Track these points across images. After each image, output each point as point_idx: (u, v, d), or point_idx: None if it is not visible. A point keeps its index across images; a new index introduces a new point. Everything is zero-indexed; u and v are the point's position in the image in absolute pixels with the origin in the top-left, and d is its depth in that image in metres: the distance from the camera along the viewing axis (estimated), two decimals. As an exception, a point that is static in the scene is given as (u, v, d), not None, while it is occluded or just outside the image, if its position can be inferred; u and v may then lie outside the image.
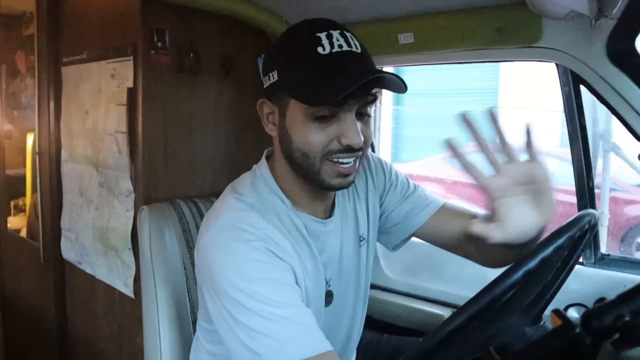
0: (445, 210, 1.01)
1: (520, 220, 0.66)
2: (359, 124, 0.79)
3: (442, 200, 1.04)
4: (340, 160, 0.79)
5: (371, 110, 0.83)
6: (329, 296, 0.92)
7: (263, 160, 0.91)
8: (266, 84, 0.82)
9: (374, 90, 0.79)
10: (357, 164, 0.83)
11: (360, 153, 0.81)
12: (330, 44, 0.75)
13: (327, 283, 0.91)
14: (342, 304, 0.96)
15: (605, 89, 1.05)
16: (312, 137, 0.78)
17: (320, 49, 0.75)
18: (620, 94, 1.03)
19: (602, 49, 1.02)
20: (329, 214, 0.92)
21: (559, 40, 1.08)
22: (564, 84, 1.22)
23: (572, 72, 1.14)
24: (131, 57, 1.29)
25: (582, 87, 1.18)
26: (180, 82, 1.36)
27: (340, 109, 0.76)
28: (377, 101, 0.81)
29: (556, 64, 1.18)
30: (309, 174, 0.81)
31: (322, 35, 0.76)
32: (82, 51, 1.50)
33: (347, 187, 0.84)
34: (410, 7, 1.24)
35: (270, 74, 0.81)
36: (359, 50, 0.78)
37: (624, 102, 1.03)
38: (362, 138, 0.78)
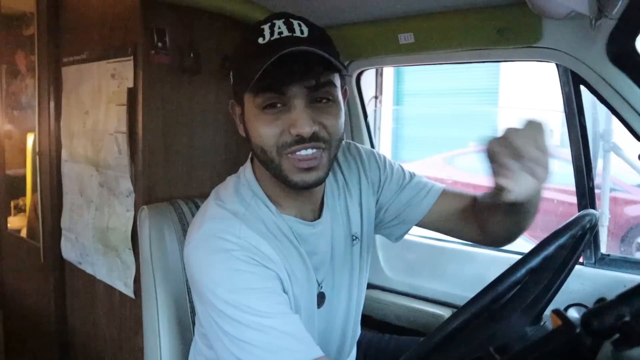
0: (445, 196, 1.00)
1: (527, 181, 0.63)
2: (313, 113, 0.75)
3: (441, 185, 1.02)
4: (298, 154, 0.76)
5: (333, 97, 0.78)
6: (321, 298, 0.92)
7: (248, 163, 0.90)
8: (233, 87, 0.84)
9: (319, 74, 0.75)
10: (325, 158, 0.78)
11: (322, 145, 0.77)
12: (270, 33, 0.74)
13: (319, 285, 0.91)
14: (336, 306, 0.95)
15: (605, 89, 1.05)
16: (264, 130, 0.76)
17: (260, 39, 0.75)
18: (620, 94, 1.03)
19: (602, 49, 1.02)
20: (318, 214, 0.91)
21: (559, 41, 1.08)
22: (564, 84, 1.22)
23: (572, 72, 1.14)
24: (131, 57, 1.29)
25: (582, 87, 1.18)
26: (180, 82, 1.36)
27: (286, 97, 0.74)
28: (332, 87, 0.77)
29: (556, 64, 1.18)
30: (274, 172, 0.79)
31: (265, 27, 0.75)
32: (82, 51, 1.50)
33: (314, 184, 0.79)
34: (410, 7, 1.23)
35: (231, 77, 0.83)
36: (304, 35, 0.75)
37: (624, 102, 1.03)
38: (315, 127, 0.75)
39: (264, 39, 0.74)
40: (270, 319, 0.70)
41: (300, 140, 0.75)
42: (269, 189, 0.85)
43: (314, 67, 0.73)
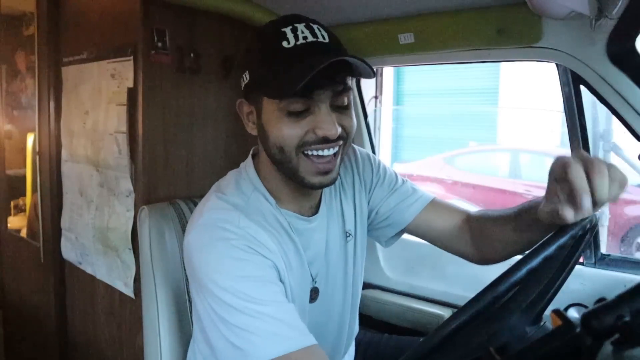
0: (435, 205, 1.03)
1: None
2: (335, 115, 0.78)
3: (431, 195, 1.05)
4: (318, 153, 0.79)
5: (349, 100, 0.81)
6: (314, 292, 0.93)
7: (249, 159, 0.92)
8: (242, 85, 0.84)
9: (345, 79, 0.78)
10: (339, 158, 0.82)
11: (341, 143, 0.80)
12: (295, 37, 0.75)
13: (313, 280, 0.92)
14: (330, 300, 0.96)
15: (605, 89, 1.05)
16: (286, 131, 0.78)
17: (284, 43, 0.75)
18: (620, 94, 1.03)
19: (602, 49, 1.02)
20: (315, 211, 0.93)
21: (559, 40, 1.08)
22: (564, 84, 1.22)
23: (572, 72, 1.14)
24: (131, 57, 1.29)
25: (582, 87, 1.18)
26: (180, 82, 1.36)
27: (312, 101, 0.76)
28: (350, 91, 0.80)
29: (556, 64, 1.18)
30: (289, 171, 0.81)
31: (287, 30, 0.76)
32: (82, 51, 1.50)
33: (329, 185, 0.83)
34: (410, 7, 1.24)
35: (244, 75, 0.82)
36: (326, 40, 0.77)
37: (624, 102, 1.03)
38: (339, 129, 0.78)
39: (288, 42, 0.75)
40: (265, 306, 0.71)
41: (325, 141, 0.78)
42: (271, 185, 0.87)
43: (341, 72, 0.76)
